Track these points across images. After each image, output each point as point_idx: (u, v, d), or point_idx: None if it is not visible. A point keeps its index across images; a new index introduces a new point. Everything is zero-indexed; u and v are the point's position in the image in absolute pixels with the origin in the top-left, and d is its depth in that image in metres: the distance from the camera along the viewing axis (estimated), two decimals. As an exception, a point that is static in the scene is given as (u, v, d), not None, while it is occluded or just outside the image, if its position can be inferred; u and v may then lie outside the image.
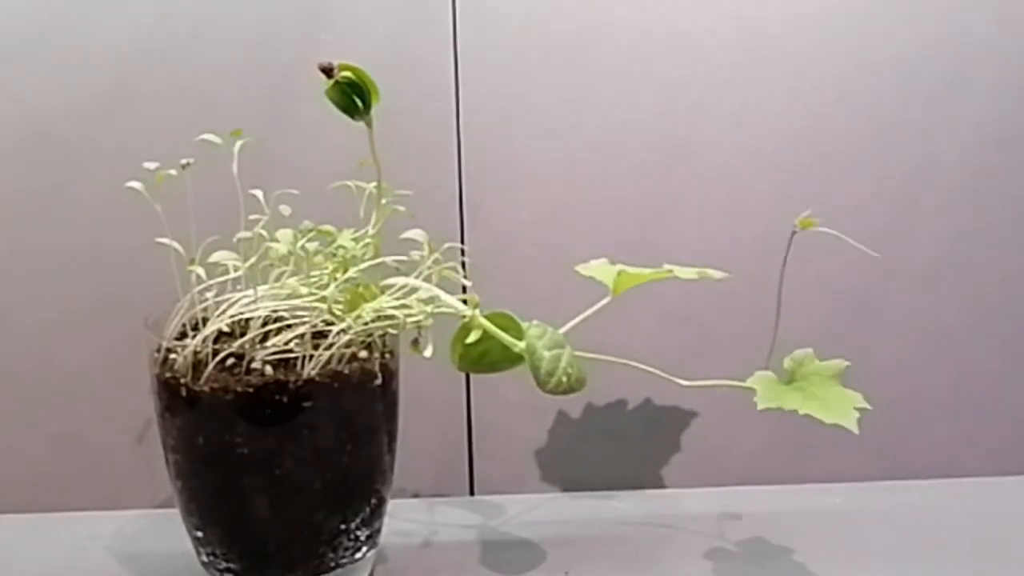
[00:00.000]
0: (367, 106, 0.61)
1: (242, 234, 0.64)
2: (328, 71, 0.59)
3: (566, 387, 0.59)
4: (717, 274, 0.67)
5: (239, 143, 0.63)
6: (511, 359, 0.61)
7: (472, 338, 0.60)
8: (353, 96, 0.60)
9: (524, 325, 0.60)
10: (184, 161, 0.62)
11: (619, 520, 0.77)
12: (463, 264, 0.74)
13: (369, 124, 0.62)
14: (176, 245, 0.62)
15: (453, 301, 0.60)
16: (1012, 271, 0.81)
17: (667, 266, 0.66)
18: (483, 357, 0.63)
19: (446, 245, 0.63)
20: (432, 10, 0.76)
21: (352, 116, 0.61)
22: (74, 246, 0.76)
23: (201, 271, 0.62)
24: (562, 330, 0.63)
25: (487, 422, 0.81)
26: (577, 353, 0.61)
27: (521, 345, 0.59)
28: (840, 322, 0.81)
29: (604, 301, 0.66)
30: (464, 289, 0.64)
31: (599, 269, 0.68)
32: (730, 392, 0.64)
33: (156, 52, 0.75)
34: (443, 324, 0.62)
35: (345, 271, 0.62)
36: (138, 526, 0.76)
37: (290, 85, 0.76)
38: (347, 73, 0.60)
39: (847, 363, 0.63)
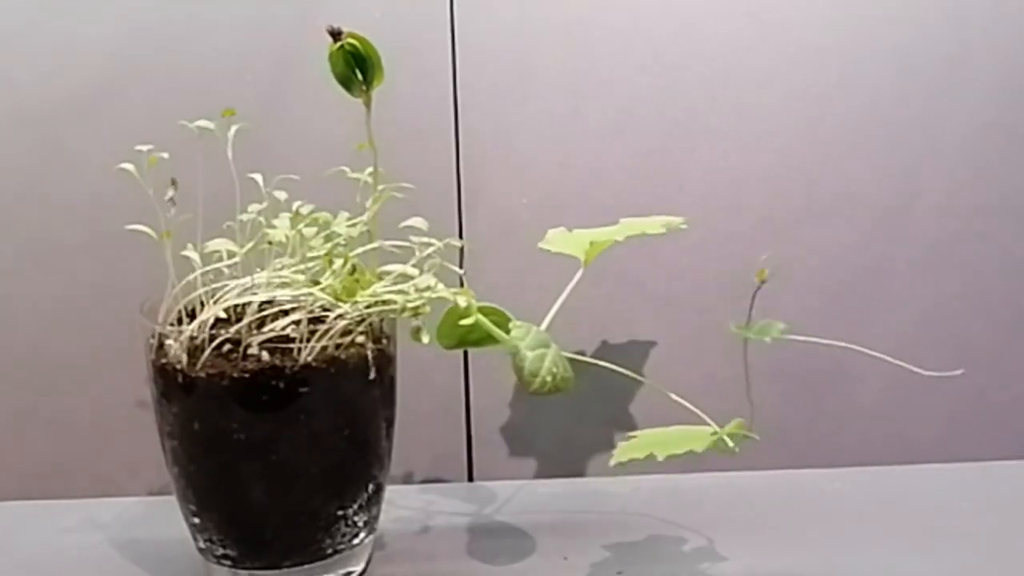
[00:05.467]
0: (368, 82, 0.60)
1: (242, 216, 0.63)
2: (336, 35, 0.59)
3: (551, 387, 0.58)
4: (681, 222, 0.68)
5: (233, 128, 0.63)
6: (495, 338, 0.60)
7: (465, 323, 0.60)
8: (355, 67, 0.60)
9: (510, 324, 0.59)
10: (170, 194, 0.61)
11: (618, 506, 0.77)
12: (460, 251, 0.74)
13: (367, 104, 0.61)
14: (148, 230, 0.61)
15: (448, 293, 0.60)
16: (1012, 257, 0.81)
17: (624, 221, 0.66)
18: (469, 334, 0.61)
19: (446, 240, 0.63)
20: (429, -6, 0.76)
21: (350, 90, 0.61)
22: (69, 232, 0.76)
23: (196, 256, 0.62)
24: (545, 321, 0.62)
25: (486, 408, 0.80)
26: (568, 356, 0.60)
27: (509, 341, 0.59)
28: (839, 307, 0.80)
29: (577, 276, 0.65)
30: (461, 282, 0.63)
31: (563, 241, 0.67)
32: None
33: (150, 38, 0.75)
34: (433, 307, 0.61)
35: (344, 259, 0.61)
36: (135, 513, 0.76)
37: (286, 71, 0.75)
38: (353, 41, 0.59)
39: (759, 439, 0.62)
